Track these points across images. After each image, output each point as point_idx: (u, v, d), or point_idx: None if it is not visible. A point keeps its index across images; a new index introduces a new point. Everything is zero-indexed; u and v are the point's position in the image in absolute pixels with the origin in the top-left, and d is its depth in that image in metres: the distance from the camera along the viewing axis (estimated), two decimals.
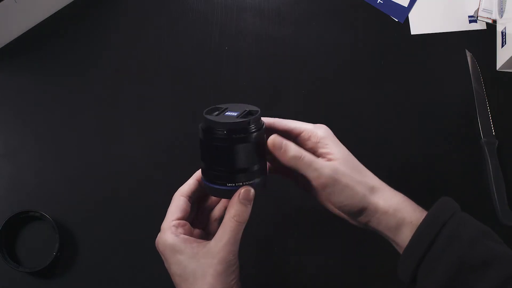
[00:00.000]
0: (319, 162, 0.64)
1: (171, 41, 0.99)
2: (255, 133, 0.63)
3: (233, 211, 0.63)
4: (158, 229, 0.91)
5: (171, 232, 0.65)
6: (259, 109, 0.65)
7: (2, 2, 0.88)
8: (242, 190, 0.63)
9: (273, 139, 0.64)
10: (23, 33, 0.98)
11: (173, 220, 0.66)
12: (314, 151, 0.67)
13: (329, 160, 0.65)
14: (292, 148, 0.64)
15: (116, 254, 0.91)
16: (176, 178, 0.94)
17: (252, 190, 0.63)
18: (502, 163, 0.96)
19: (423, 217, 0.64)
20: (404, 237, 0.64)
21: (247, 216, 0.63)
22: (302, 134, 0.68)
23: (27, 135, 0.95)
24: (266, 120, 0.68)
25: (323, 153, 0.66)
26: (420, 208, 0.66)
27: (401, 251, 0.65)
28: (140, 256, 0.91)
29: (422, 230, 0.63)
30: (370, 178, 0.67)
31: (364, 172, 0.67)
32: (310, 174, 0.64)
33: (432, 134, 0.98)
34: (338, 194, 0.65)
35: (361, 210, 0.65)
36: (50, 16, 0.99)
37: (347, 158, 0.66)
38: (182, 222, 0.67)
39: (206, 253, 0.63)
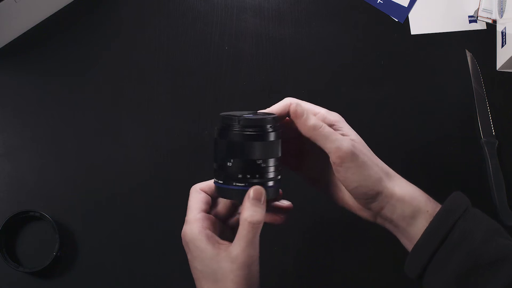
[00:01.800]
0: (338, 135, 0.63)
1: (171, 41, 0.99)
2: (272, 132, 0.63)
3: (245, 213, 0.61)
4: (157, 229, 0.92)
5: (197, 225, 0.63)
6: (275, 114, 0.65)
7: (2, 2, 0.88)
8: (251, 190, 0.62)
9: (295, 107, 0.63)
10: (23, 33, 0.98)
11: (198, 213, 0.64)
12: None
13: (349, 137, 0.65)
14: (312, 117, 0.63)
15: (116, 254, 0.91)
16: (176, 178, 0.94)
17: (263, 189, 0.62)
18: (502, 163, 0.96)
19: (438, 207, 0.64)
20: (419, 227, 0.64)
21: (261, 217, 0.61)
22: (318, 115, 0.66)
23: (27, 135, 0.95)
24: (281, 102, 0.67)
25: (343, 131, 0.66)
26: (433, 199, 0.65)
27: (410, 243, 0.65)
28: (140, 256, 0.91)
29: (435, 224, 0.62)
30: (385, 165, 0.66)
31: (379, 159, 0.67)
32: (329, 146, 0.63)
33: (432, 134, 0.98)
34: (355, 172, 0.63)
35: (377, 194, 0.64)
36: (50, 16, 0.99)
37: (362, 142, 0.66)
38: (208, 215, 0.65)
39: (226, 257, 0.61)
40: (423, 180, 0.96)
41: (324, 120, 0.66)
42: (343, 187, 0.66)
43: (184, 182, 0.93)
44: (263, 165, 0.62)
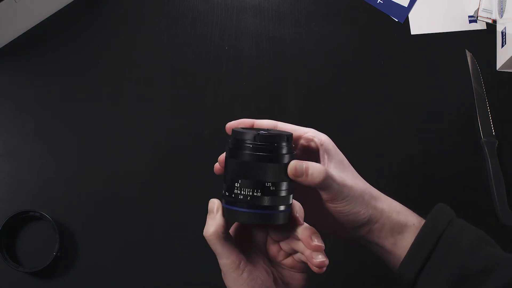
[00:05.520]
0: (335, 176, 0.62)
1: (171, 41, 0.99)
2: (287, 155, 0.60)
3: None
4: (157, 229, 0.92)
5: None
6: (291, 133, 0.63)
7: (2, 2, 0.88)
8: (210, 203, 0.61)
9: (295, 164, 0.60)
10: (23, 33, 0.98)
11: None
12: (314, 154, 0.66)
13: (332, 167, 0.64)
14: (315, 171, 0.61)
15: (116, 254, 0.91)
16: (176, 178, 0.94)
17: (215, 200, 0.61)
18: (502, 163, 0.96)
19: (422, 221, 0.64)
20: (408, 241, 0.64)
21: (210, 229, 0.60)
22: (307, 135, 0.66)
23: (27, 135, 0.95)
24: (266, 122, 0.66)
25: (326, 158, 0.65)
26: (416, 214, 0.66)
27: (397, 260, 0.65)
28: (140, 256, 0.91)
29: (421, 238, 0.63)
30: (369, 186, 0.66)
31: (363, 180, 0.66)
32: (326, 194, 0.63)
33: (432, 134, 0.98)
34: (345, 205, 0.63)
35: (368, 218, 0.64)
36: (50, 16, 0.99)
37: (348, 167, 0.66)
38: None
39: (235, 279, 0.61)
40: (423, 181, 0.97)
41: (314, 138, 0.65)
42: (327, 214, 0.65)
43: (184, 182, 0.94)
44: (272, 188, 0.60)
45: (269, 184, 0.59)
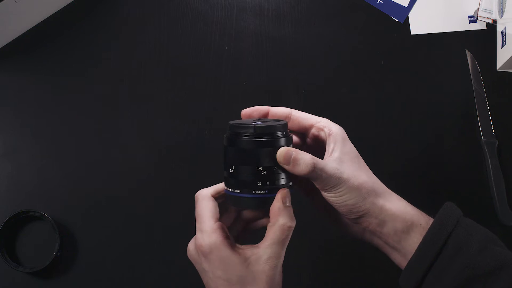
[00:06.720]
0: (327, 167, 0.63)
1: (171, 41, 0.99)
2: (283, 138, 0.62)
3: (282, 219, 0.61)
4: (157, 229, 0.92)
5: (217, 235, 0.62)
6: (286, 121, 0.65)
7: (2, 2, 0.88)
8: (285, 194, 0.62)
9: (285, 152, 0.62)
10: (23, 33, 0.98)
11: (214, 222, 0.63)
12: (323, 143, 0.66)
13: (335, 157, 0.64)
14: (302, 162, 0.62)
15: (116, 254, 0.91)
16: (176, 178, 0.94)
17: (288, 191, 0.63)
18: (502, 163, 0.96)
19: (430, 221, 0.64)
20: (414, 241, 0.64)
21: (294, 219, 0.62)
22: (319, 124, 0.66)
23: (27, 135, 0.95)
24: (281, 110, 0.67)
25: (331, 148, 0.65)
26: (424, 213, 0.66)
27: (403, 258, 0.65)
28: (140, 256, 0.91)
29: (429, 238, 0.62)
30: (375, 181, 0.66)
31: (369, 175, 0.66)
32: (317, 184, 0.63)
33: (432, 134, 0.98)
34: (340, 195, 0.63)
35: (364, 212, 0.64)
36: (50, 16, 0.99)
37: (354, 159, 0.65)
38: (222, 223, 0.64)
39: (256, 260, 0.61)
40: (423, 181, 0.97)
41: (325, 128, 0.66)
42: (330, 205, 0.66)
43: (184, 182, 0.94)
44: (264, 172, 0.62)
45: (264, 168, 0.61)
